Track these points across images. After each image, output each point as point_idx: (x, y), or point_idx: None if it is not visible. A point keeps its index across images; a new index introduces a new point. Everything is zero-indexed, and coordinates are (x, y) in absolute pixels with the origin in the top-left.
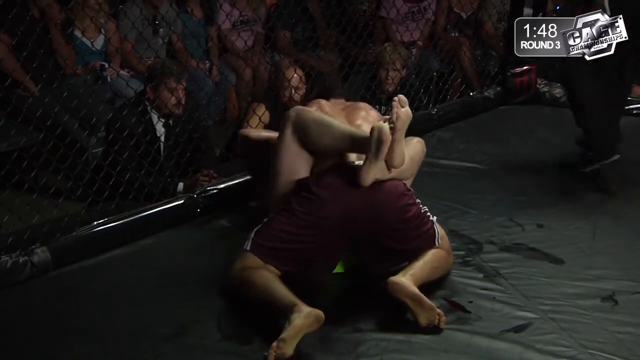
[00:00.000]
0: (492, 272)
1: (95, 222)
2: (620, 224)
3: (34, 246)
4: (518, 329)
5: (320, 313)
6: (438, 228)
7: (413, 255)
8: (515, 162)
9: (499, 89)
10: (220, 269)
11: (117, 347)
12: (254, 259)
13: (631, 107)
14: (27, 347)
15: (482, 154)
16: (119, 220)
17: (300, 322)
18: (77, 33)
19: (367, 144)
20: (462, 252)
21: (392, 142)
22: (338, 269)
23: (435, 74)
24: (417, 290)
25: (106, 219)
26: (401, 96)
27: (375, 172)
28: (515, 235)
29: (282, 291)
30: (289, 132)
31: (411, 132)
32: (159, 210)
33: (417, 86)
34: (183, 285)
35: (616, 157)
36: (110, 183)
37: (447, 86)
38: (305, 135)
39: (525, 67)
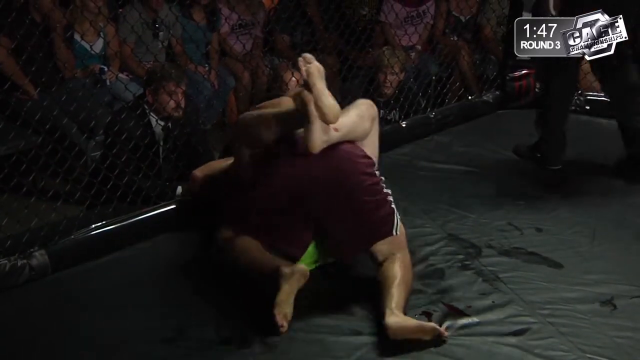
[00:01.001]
0: (491, 276)
1: (93, 226)
2: (619, 229)
3: (32, 249)
4: (517, 333)
5: (302, 268)
6: (398, 218)
7: (374, 236)
8: (514, 166)
9: (497, 92)
10: (219, 271)
11: (116, 350)
12: (230, 231)
13: None
14: (25, 350)
15: (481, 158)
16: (117, 224)
17: (286, 285)
18: (77, 36)
19: (299, 114)
20: (461, 256)
21: (316, 98)
22: (309, 261)
23: (433, 77)
24: (413, 323)
25: (104, 222)
26: (304, 54)
27: (318, 136)
28: (514, 239)
29: (262, 257)
30: (241, 148)
31: (410, 135)
32: (157, 214)
33: (415, 90)
34: (182, 288)
35: (558, 167)
36: (109, 186)
37: (445, 90)
38: (253, 141)
39: (524, 71)
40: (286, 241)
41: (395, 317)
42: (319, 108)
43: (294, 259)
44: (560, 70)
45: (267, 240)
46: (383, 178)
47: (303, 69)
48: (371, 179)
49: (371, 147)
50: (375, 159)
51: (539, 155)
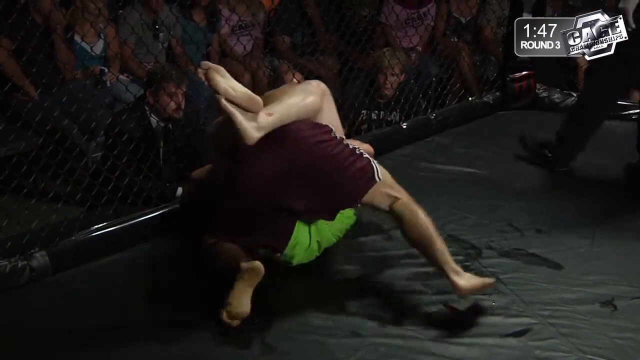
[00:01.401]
0: (491, 278)
1: (93, 227)
2: (619, 229)
3: (32, 250)
4: (517, 334)
5: (257, 265)
6: (377, 165)
7: (351, 195)
8: (514, 168)
9: (498, 94)
10: (219, 273)
11: (115, 352)
12: (211, 238)
13: (630, 112)
14: (25, 351)
15: (481, 159)
16: (117, 225)
17: (239, 283)
18: (77, 38)
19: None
20: (461, 257)
21: (224, 95)
22: (305, 252)
23: (434, 79)
24: (478, 281)
25: (105, 224)
26: (201, 63)
27: (246, 126)
28: (514, 240)
29: (233, 257)
30: (214, 153)
31: (410, 137)
32: (158, 215)
33: (415, 91)
34: (182, 289)
35: (564, 169)
36: (109, 188)
37: (446, 91)
38: (220, 146)
39: (524, 73)
40: (267, 236)
41: (463, 278)
42: (232, 100)
43: (280, 251)
44: (613, 73)
45: (248, 240)
46: (344, 137)
47: (202, 77)
48: (328, 144)
49: (328, 121)
50: (335, 129)
51: (549, 155)
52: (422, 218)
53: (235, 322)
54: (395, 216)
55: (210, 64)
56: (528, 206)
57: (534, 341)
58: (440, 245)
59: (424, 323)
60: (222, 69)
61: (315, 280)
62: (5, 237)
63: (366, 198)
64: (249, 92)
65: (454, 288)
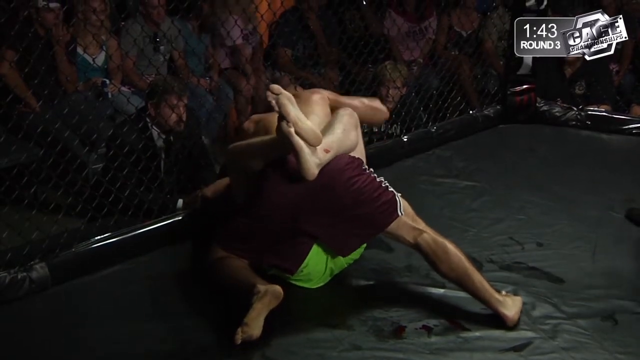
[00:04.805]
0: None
1: (94, 239)
2: (620, 243)
3: (32, 262)
4: (518, 348)
5: (277, 288)
6: (400, 200)
7: (373, 228)
8: (514, 181)
9: (498, 107)
10: (221, 288)
11: None
12: (222, 250)
13: (630, 126)
14: None
15: (482, 172)
16: (118, 237)
17: (258, 304)
18: (79, 49)
19: (282, 143)
20: None
21: (295, 126)
22: (320, 276)
23: (435, 92)
24: (519, 304)
25: (105, 235)
26: (271, 86)
27: (310, 163)
28: (515, 254)
29: (243, 275)
30: (232, 174)
31: (411, 149)
32: (159, 227)
33: (416, 104)
34: (183, 302)
35: None
36: (110, 199)
37: (446, 104)
38: (242, 167)
39: (525, 86)
40: (281, 256)
41: (506, 307)
42: (300, 134)
43: (291, 272)
44: None
45: (261, 258)
46: (372, 170)
47: (273, 102)
48: (357, 181)
49: (359, 152)
50: (363, 157)
51: None
52: (452, 250)
53: (242, 341)
54: (422, 252)
55: (281, 89)
56: (529, 219)
57: (534, 355)
58: (478, 277)
59: (424, 336)
60: (292, 97)
61: (315, 294)
62: (6, 249)
63: (389, 230)
64: (314, 126)
65: (503, 320)
